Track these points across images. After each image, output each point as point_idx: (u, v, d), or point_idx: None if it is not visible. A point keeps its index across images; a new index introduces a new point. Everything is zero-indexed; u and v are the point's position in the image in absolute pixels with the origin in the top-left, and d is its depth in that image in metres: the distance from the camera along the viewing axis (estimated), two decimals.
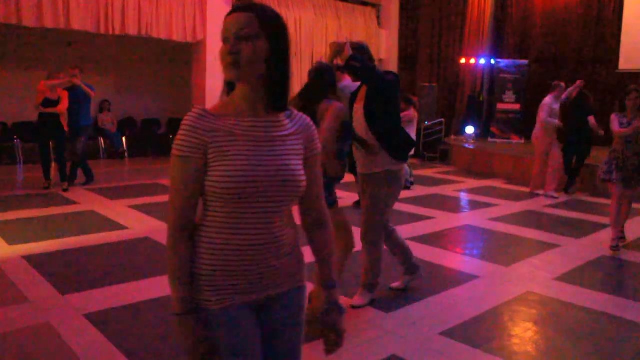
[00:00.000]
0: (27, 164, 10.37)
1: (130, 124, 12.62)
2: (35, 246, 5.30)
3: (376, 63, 4.06)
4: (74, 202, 7.34)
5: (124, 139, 12.06)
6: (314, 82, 3.67)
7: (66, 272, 4.65)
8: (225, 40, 1.52)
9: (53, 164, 8.33)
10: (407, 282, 4.37)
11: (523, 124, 13.64)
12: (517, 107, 13.78)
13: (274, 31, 1.53)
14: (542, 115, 8.56)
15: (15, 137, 10.68)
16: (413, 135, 9.15)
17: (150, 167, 11.02)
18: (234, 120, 1.55)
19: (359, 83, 4.13)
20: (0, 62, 10.71)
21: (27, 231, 5.86)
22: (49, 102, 7.88)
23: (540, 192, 8.86)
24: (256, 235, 1.56)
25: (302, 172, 1.60)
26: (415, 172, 9.35)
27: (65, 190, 7.96)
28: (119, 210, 6.93)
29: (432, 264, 5.15)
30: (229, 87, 1.62)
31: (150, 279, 4.48)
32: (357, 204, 7.11)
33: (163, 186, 8.76)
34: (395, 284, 4.39)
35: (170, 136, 12.45)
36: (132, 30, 10.56)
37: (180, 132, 1.52)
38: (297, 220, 1.71)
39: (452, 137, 14.32)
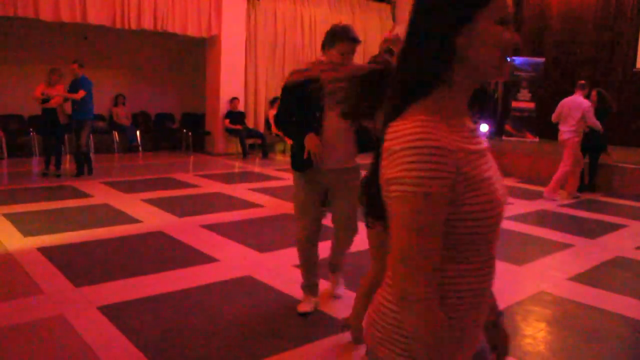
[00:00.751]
0: (42, 156, 10.45)
1: (144, 118, 12.67)
2: (50, 238, 5.35)
3: None
4: (89, 195, 7.40)
5: (138, 133, 12.12)
6: None
7: (80, 265, 4.69)
8: (504, 20, 1.17)
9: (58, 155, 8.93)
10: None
11: (538, 122, 13.55)
12: (531, 105, 13.68)
13: None
14: (591, 117, 8.35)
15: (31, 129, 10.79)
16: None
17: (164, 161, 11.07)
18: (458, 131, 1.18)
19: None
20: (17, 56, 10.81)
21: (41, 223, 5.92)
22: (46, 99, 8.60)
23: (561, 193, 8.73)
24: (489, 277, 1.25)
25: None
26: None
27: (57, 176, 8.63)
28: (132, 204, 6.97)
29: None
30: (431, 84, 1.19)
31: (163, 273, 4.50)
32: None
33: (176, 180, 8.80)
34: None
35: (184, 130, 12.51)
36: (147, 25, 10.62)
37: (416, 155, 1.07)
38: None
39: None
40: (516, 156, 11.11)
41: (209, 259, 4.91)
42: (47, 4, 9.42)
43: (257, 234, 5.78)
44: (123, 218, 6.29)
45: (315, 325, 3.61)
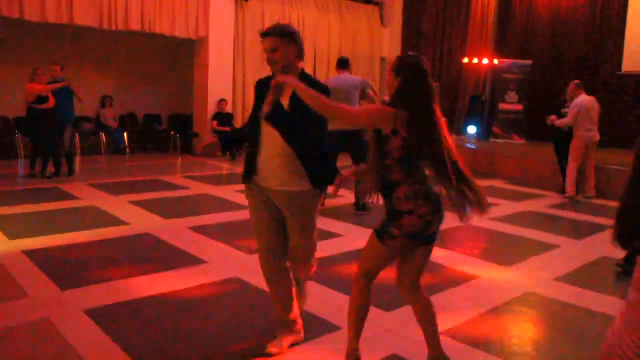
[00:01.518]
0: (28, 158, 10.36)
1: (131, 120, 12.61)
2: (36, 241, 5.30)
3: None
4: (75, 198, 7.34)
5: (125, 134, 12.06)
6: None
7: (67, 268, 4.65)
8: None
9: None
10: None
11: (525, 124, 13.64)
12: (519, 107, 13.77)
13: None
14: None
15: (16, 131, 10.69)
16: None
17: (151, 163, 11.01)
18: None
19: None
20: (1, 57, 10.71)
21: (27, 226, 5.86)
22: (41, 99, 8.40)
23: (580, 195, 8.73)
24: None
25: None
26: None
27: (49, 177, 8.55)
28: (120, 206, 6.93)
29: (433, 263, 5.13)
30: None
31: (151, 275, 4.48)
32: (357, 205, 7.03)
33: (164, 182, 8.76)
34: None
35: (172, 132, 12.45)
36: (135, 26, 10.57)
37: None
38: None
39: (454, 136, 14.29)
40: (504, 158, 11.18)
41: (197, 261, 4.89)
42: (32, 4, 9.34)
43: (245, 236, 5.75)
44: (110, 220, 6.24)
45: (304, 326, 3.59)
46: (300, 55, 3.17)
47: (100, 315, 3.66)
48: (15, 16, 9.27)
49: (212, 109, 11.79)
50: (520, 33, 14.71)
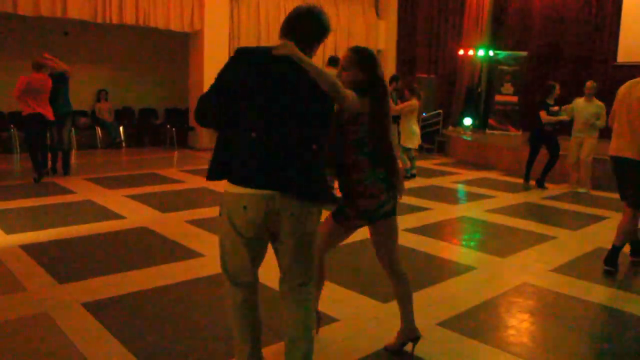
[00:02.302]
0: (23, 153, 10.34)
1: (127, 114, 12.58)
2: (33, 235, 5.30)
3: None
4: (72, 192, 7.33)
5: (121, 128, 12.03)
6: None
7: (64, 262, 4.65)
8: None
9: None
10: None
11: (521, 115, 13.67)
12: (515, 99, 13.80)
13: None
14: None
15: (11, 126, 10.66)
16: (416, 125, 9.18)
17: (147, 156, 11.00)
18: None
19: None
20: None
21: (24, 220, 5.86)
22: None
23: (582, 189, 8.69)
24: None
25: None
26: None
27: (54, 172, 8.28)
28: (116, 200, 6.92)
29: (429, 255, 5.16)
30: None
31: (148, 269, 4.48)
32: None
33: (160, 176, 8.75)
34: None
35: (168, 126, 12.43)
36: (129, 20, 10.53)
37: None
38: None
39: (450, 128, 14.33)
40: (499, 149, 11.20)
41: (195, 254, 4.89)
42: None
43: None
44: (106, 214, 6.24)
45: None
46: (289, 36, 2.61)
47: (98, 309, 3.67)
48: (9, 10, 9.22)
49: None
50: (516, 24, 14.71)
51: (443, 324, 3.61)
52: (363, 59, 2.94)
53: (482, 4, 14.81)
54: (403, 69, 15.30)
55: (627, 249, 5.07)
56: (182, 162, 10.62)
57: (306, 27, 2.53)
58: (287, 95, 2.43)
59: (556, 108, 8.64)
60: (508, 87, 13.90)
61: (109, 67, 12.24)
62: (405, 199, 7.55)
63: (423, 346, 3.29)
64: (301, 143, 2.45)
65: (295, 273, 2.63)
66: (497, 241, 5.84)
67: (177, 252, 4.97)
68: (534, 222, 6.61)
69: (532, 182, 9.02)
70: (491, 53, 14.55)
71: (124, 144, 12.01)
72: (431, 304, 3.97)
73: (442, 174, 10.15)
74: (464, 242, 5.72)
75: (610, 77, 12.43)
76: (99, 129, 11.80)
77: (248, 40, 12.30)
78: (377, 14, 15.19)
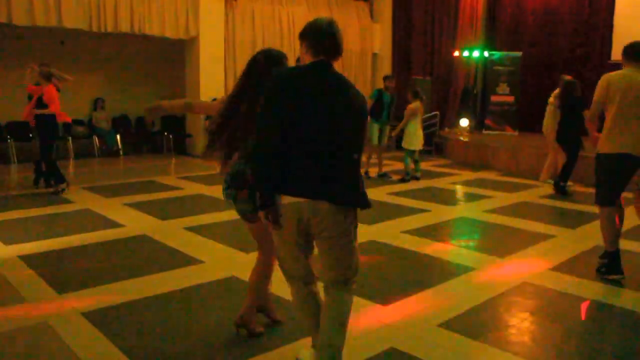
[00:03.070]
0: (21, 163, 10.33)
1: (124, 122, 12.58)
2: (32, 246, 5.29)
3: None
4: (70, 201, 7.32)
5: (118, 137, 12.03)
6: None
7: (63, 271, 4.65)
8: None
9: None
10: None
11: (517, 115, 13.70)
12: (510, 99, 13.83)
13: None
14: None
15: (8, 136, 10.65)
16: (419, 128, 9.23)
17: (145, 164, 10.99)
18: None
19: None
20: None
21: (23, 231, 5.85)
22: (41, 104, 7.63)
23: (550, 180, 8.76)
24: None
25: None
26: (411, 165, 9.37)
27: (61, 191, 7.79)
28: (115, 209, 6.92)
29: (429, 256, 5.17)
30: None
31: (147, 277, 4.48)
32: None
33: (158, 184, 8.75)
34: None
35: (165, 133, 12.43)
36: (124, 28, 10.54)
37: None
38: None
39: (447, 129, 14.35)
40: (496, 150, 11.22)
41: (194, 261, 4.89)
42: (20, 8, 9.29)
43: (242, 235, 5.74)
44: (105, 223, 6.24)
45: (299, 325, 3.62)
46: (309, 50, 2.84)
47: (99, 318, 3.67)
48: (3, 20, 9.23)
49: None
50: (510, 24, 14.76)
51: (444, 325, 3.61)
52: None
53: (476, 5, 14.87)
54: (398, 71, 15.33)
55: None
56: (180, 169, 10.63)
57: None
58: (327, 114, 2.66)
59: None
60: (504, 87, 13.93)
61: (105, 75, 12.24)
62: (403, 201, 7.60)
63: (424, 347, 3.30)
64: (343, 154, 2.69)
65: (332, 272, 2.81)
66: (496, 241, 5.85)
67: (177, 259, 4.97)
68: (533, 221, 6.62)
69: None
70: (486, 54, 14.58)
71: (121, 152, 12.01)
72: (431, 306, 3.97)
73: (440, 175, 10.17)
74: (463, 243, 5.72)
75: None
76: (96, 138, 11.79)
77: (243, 46, 12.31)
78: (372, 17, 15.23)
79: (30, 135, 8.05)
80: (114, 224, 6.18)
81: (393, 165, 10.75)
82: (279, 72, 2.87)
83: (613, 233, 4.58)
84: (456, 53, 14.57)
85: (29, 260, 4.86)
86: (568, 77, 8.57)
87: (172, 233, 5.82)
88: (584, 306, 4.06)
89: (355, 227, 2.79)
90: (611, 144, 4.49)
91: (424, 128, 13.33)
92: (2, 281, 4.37)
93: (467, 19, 14.79)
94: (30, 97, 7.88)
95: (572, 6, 13.50)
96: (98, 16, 10.19)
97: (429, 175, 10.06)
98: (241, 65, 12.61)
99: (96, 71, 11.99)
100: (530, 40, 14.29)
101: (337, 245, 2.73)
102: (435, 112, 13.76)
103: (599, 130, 4.71)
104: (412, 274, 4.71)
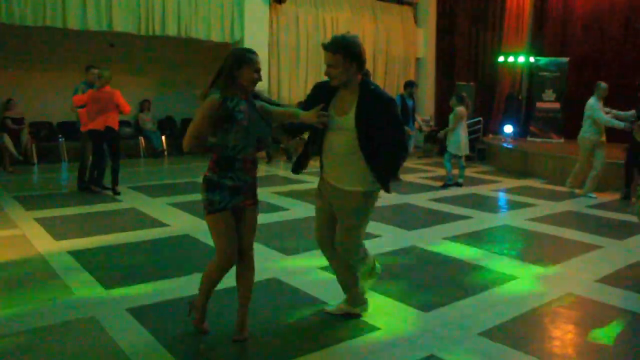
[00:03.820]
0: (71, 162, 10.66)
1: (169, 124, 12.85)
2: (81, 242, 5.46)
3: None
4: (117, 200, 7.53)
5: (163, 138, 12.29)
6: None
7: (110, 268, 4.79)
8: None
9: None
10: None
11: (563, 122, 13.40)
12: (556, 105, 13.54)
13: None
14: (600, 116, 8.21)
15: (60, 136, 11.02)
16: (463, 132, 9.17)
17: (188, 165, 11.20)
18: None
19: None
20: (45, 64, 11.06)
21: (72, 227, 6.05)
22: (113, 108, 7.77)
23: (577, 191, 8.68)
24: None
25: None
26: (453, 171, 9.28)
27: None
28: (159, 208, 7.08)
29: (470, 263, 5.11)
30: None
31: (191, 275, 4.55)
32: None
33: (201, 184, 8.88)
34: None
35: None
36: (171, 31, 10.79)
37: None
38: None
39: (490, 136, 14.15)
40: (541, 157, 11.01)
41: None
42: (74, 13, 9.64)
43: (282, 237, 5.82)
44: (150, 222, 6.39)
45: (342, 326, 3.63)
46: (358, 68, 3.33)
47: (143, 314, 3.76)
48: (59, 25, 9.57)
49: None
50: (556, 29, 14.47)
51: (485, 334, 3.57)
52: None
53: (522, 10, 14.63)
54: (442, 76, 15.22)
55: None
56: None
57: None
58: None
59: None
60: (549, 94, 13.65)
61: (151, 78, 12.54)
62: (445, 207, 7.53)
63: (464, 355, 3.27)
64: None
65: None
66: (540, 250, 5.74)
67: None
68: (578, 231, 6.47)
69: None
70: (532, 59, 14.33)
71: (166, 153, 12.26)
72: (472, 313, 3.93)
73: (483, 182, 10.04)
74: (505, 251, 5.64)
75: None
76: (142, 139, 12.08)
77: (287, 50, 12.43)
78: (416, 22, 15.15)
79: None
80: (159, 223, 6.32)
81: (437, 172, 10.68)
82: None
83: None
84: (501, 58, 14.37)
85: (77, 255, 5.02)
86: None
87: None
88: (630, 320, 3.95)
89: None
90: None
91: (468, 134, 13.22)
92: (53, 275, 4.53)
93: (512, 23, 14.56)
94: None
95: (622, 10, 13.14)
96: (147, 20, 10.46)
97: (472, 181, 9.94)
98: (285, 69, 12.85)
99: (143, 74, 12.29)
100: (577, 46, 13.97)
101: None
102: (478, 118, 13.59)
103: None
104: (453, 281, 4.67)
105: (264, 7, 11.97)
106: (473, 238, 6.04)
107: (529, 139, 13.61)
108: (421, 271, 4.93)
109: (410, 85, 9.89)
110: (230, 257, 3.31)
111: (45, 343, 3.35)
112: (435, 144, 13.35)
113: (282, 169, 10.82)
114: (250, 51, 3.29)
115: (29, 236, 5.63)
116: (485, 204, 8.07)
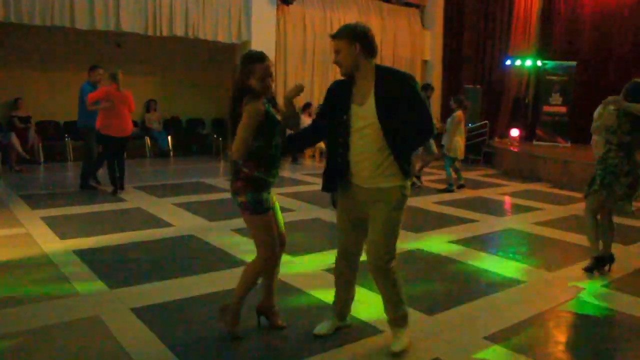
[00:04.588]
0: (77, 161, 10.68)
1: (175, 124, 12.87)
2: (86, 241, 5.47)
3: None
4: (122, 200, 7.54)
5: (169, 138, 12.31)
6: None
7: (115, 267, 4.79)
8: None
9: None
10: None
11: (570, 126, 13.35)
12: (563, 109, 13.50)
13: None
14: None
15: (66, 135, 11.05)
16: (460, 136, 9.11)
17: (194, 166, 11.21)
18: None
19: None
20: (51, 63, 11.09)
21: (77, 226, 6.06)
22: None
23: None
24: None
25: None
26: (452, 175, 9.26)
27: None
28: (164, 208, 7.08)
29: (475, 267, 5.09)
30: None
31: (194, 276, 4.56)
32: None
33: (206, 185, 8.91)
34: None
35: (215, 136, 12.65)
36: (179, 32, 10.81)
37: None
38: None
39: (497, 139, 14.12)
40: (547, 161, 10.97)
41: (240, 262, 4.95)
42: (82, 13, 9.66)
43: (289, 238, 5.79)
44: (155, 222, 6.39)
45: (346, 329, 3.62)
46: (369, 53, 3.18)
47: (147, 314, 3.76)
48: (67, 25, 9.61)
49: None
50: (564, 33, 14.43)
51: (490, 338, 3.55)
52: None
53: (530, 13, 14.59)
54: (449, 79, 15.19)
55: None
56: (229, 171, 10.76)
57: None
58: None
59: None
60: (556, 98, 13.61)
61: (158, 78, 12.57)
62: (451, 210, 7.51)
63: (469, 359, 3.25)
64: None
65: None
66: (546, 254, 5.71)
67: (224, 259, 5.05)
68: (584, 235, 6.41)
69: None
70: (539, 63, 14.28)
71: (171, 153, 12.28)
72: (478, 317, 3.91)
73: (488, 185, 10.00)
74: (511, 255, 5.61)
75: None
76: (148, 139, 12.10)
77: (294, 51, 12.44)
78: (423, 25, 15.14)
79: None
80: (164, 223, 6.32)
81: (442, 174, 10.65)
82: None
83: None
84: (508, 62, 14.33)
85: (83, 254, 5.02)
86: None
87: (220, 234, 5.91)
88: (637, 325, 3.93)
89: None
90: None
91: (474, 137, 13.22)
92: (58, 274, 4.53)
93: (520, 27, 14.53)
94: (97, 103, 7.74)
95: (630, 15, 13.09)
96: (154, 20, 10.48)
97: (477, 185, 9.91)
98: (292, 70, 12.85)
99: (150, 73, 12.31)
100: (585, 50, 13.92)
101: None
102: (484, 122, 13.56)
103: None
104: (459, 284, 4.65)
105: (271, 8, 11.98)
106: (478, 241, 6.02)
107: (535, 142, 13.57)
108: (426, 274, 4.91)
109: (426, 88, 9.83)
110: (278, 253, 3.49)
111: (48, 342, 3.35)
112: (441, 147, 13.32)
113: (287, 171, 10.81)
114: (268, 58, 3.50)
115: (34, 235, 5.64)
116: (491, 208, 8.04)
